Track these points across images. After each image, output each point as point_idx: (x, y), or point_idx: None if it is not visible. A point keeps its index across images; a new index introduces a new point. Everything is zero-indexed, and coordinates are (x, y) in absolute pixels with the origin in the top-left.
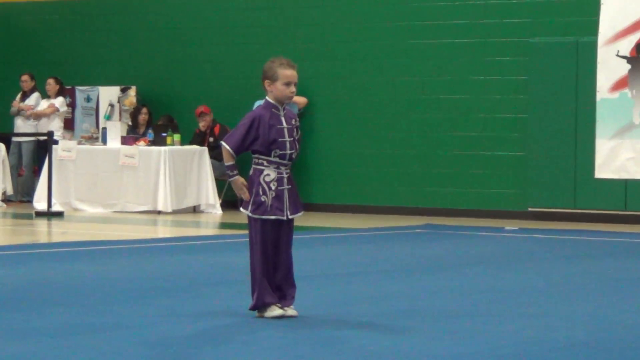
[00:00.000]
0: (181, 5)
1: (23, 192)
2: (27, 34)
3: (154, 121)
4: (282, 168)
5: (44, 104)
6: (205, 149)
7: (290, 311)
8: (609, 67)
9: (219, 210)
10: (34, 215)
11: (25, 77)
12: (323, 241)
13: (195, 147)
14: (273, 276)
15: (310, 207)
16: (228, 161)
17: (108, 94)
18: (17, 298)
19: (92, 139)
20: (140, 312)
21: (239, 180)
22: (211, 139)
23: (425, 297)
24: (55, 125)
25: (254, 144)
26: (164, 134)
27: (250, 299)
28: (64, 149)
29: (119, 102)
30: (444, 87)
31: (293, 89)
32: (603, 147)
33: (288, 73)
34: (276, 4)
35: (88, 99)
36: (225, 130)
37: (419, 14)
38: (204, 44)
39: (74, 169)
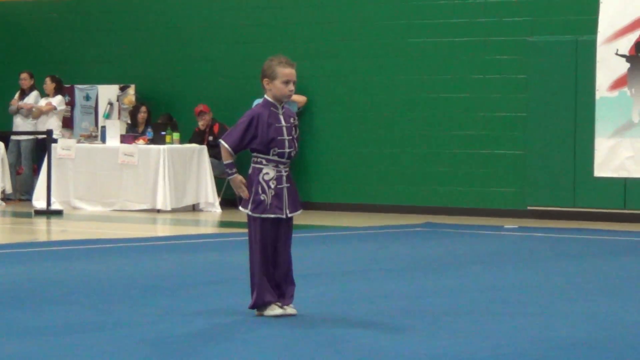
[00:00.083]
0: (181, 4)
1: (22, 191)
2: (26, 33)
3: (153, 120)
4: (281, 166)
5: (42, 103)
6: (204, 147)
7: (290, 310)
8: (608, 65)
9: (218, 209)
10: (33, 213)
11: (24, 75)
12: (322, 240)
13: (194, 145)
14: (273, 274)
15: (309, 206)
16: (227, 159)
17: (107, 92)
18: (16, 297)
19: (91, 138)
20: (140, 310)
21: (237, 178)
22: (210, 138)
23: (424, 296)
24: (53, 124)
25: (253, 142)
26: (163, 133)
27: (250, 297)
28: (63, 148)
29: (118, 100)
30: (444, 85)
31: (292, 87)
32: (602, 145)
33: (287, 71)
34: (276, 3)
35: (87, 98)
36: (225, 129)
37: (419, 13)
38: (203, 43)
39: (73, 167)
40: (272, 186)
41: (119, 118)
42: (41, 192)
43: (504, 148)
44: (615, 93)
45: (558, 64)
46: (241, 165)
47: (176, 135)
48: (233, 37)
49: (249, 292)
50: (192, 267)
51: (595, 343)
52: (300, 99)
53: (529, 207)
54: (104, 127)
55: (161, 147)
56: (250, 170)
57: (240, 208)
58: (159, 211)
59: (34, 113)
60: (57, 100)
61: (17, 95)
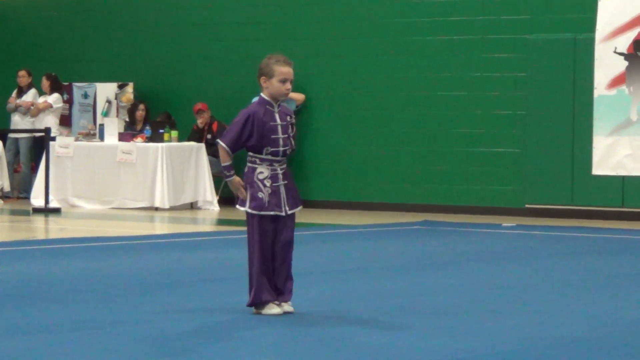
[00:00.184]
0: (179, 1)
1: (20, 189)
2: (24, 31)
3: (151, 118)
4: (276, 164)
5: (40, 101)
6: (202, 145)
7: (287, 307)
8: (607, 63)
9: (216, 207)
10: (31, 211)
11: (22, 73)
12: (320, 238)
13: (192, 143)
14: (272, 273)
15: (307, 204)
16: (225, 161)
17: (105, 90)
18: (15, 295)
19: (89, 136)
20: (138, 308)
21: (236, 179)
22: (209, 136)
23: (423, 294)
24: (50, 122)
25: (250, 140)
26: (161, 131)
27: (248, 295)
28: (62, 146)
29: (116, 98)
30: (442, 83)
31: (289, 86)
32: (600, 143)
33: (284, 70)
34: (274, 0)
35: (85, 96)
36: (223, 127)
37: (417, 11)
38: (202, 41)
39: (71, 165)
40: (268, 184)
41: (117, 116)
42: (39, 190)
43: (503, 146)
44: (614, 91)
45: (556, 62)
46: (237, 164)
47: (174, 133)
48: (232, 35)
49: (247, 290)
50: (191, 265)
51: (593, 341)
52: (298, 96)
53: (527, 205)
54: (102, 125)
55: (159, 145)
56: (245, 169)
57: (237, 207)
58: (157, 209)
59: (32, 111)
60: (54, 98)
61: (14, 93)
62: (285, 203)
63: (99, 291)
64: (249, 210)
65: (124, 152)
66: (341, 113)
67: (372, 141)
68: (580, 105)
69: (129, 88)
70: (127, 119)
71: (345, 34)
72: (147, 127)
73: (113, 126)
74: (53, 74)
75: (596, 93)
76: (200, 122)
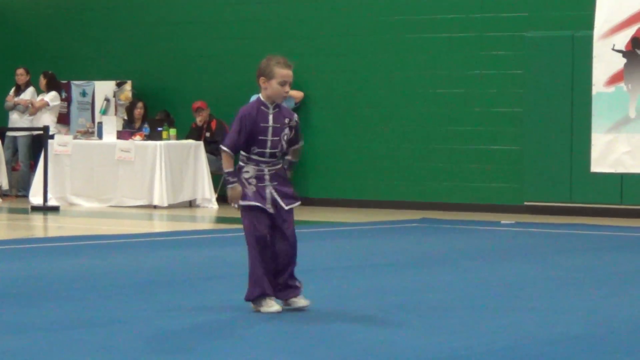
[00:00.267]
0: None
1: (19, 187)
2: (22, 29)
3: (149, 116)
4: (263, 165)
5: (38, 99)
6: (201, 143)
7: (302, 301)
8: (605, 61)
9: (214, 205)
10: (29, 209)
11: (20, 71)
12: (319, 235)
13: (190, 141)
14: (271, 268)
15: (306, 202)
16: (227, 168)
17: (104, 88)
18: (13, 293)
19: (87, 134)
20: (136, 306)
21: (237, 188)
22: (207, 134)
23: (421, 291)
24: (47, 120)
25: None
26: (159, 129)
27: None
28: (60, 144)
29: (114, 96)
30: (440, 81)
31: (288, 88)
32: (599, 141)
33: (285, 72)
34: None
35: (84, 94)
36: (222, 124)
37: (415, 8)
38: (200, 39)
39: (69, 163)
40: (253, 183)
41: (115, 114)
42: (38, 188)
43: (501, 143)
44: (612, 88)
45: (554, 60)
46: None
47: (173, 131)
48: (231, 33)
49: (246, 287)
50: (189, 262)
51: (591, 338)
52: (297, 94)
53: (525, 203)
54: (100, 123)
55: (158, 143)
56: (236, 166)
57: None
58: (155, 207)
59: (30, 110)
60: (50, 96)
61: (12, 91)
62: (270, 201)
63: (97, 289)
64: (241, 202)
65: (122, 150)
66: (340, 111)
67: (370, 139)
68: (579, 103)
69: (128, 86)
70: (126, 117)
71: (344, 32)
72: (146, 125)
73: (111, 124)
74: (50, 72)
75: (594, 90)
76: (199, 120)
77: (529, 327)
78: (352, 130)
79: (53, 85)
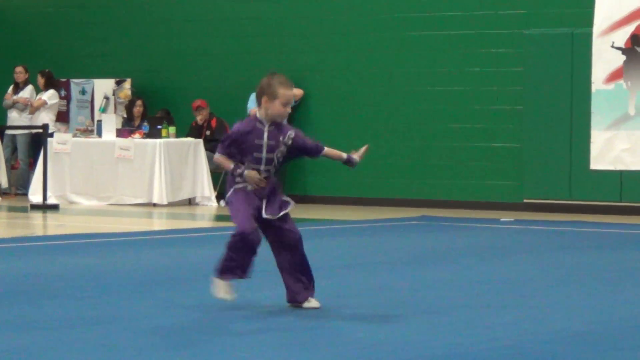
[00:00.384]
0: None
1: (18, 185)
2: (21, 27)
3: (149, 114)
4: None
5: (37, 98)
6: (200, 141)
7: (313, 302)
8: (604, 58)
9: (214, 203)
10: (29, 208)
11: (19, 69)
12: (318, 233)
13: (190, 139)
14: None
15: (305, 199)
16: (228, 166)
17: (103, 86)
18: (13, 291)
19: (87, 132)
20: (136, 304)
21: (252, 172)
22: (207, 132)
23: (421, 289)
24: (45, 118)
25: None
26: (159, 127)
27: (247, 291)
28: (59, 142)
29: (114, 94)
30: (440, 78)
31: (289, 109)
32: (598, 138)
33: (288, 93)
34: None
35: (83, 92)
36: (222, 123)
37: (415, 6)
38: (200, 37)
39: (69, 161)
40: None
41: (115, 112)
42: (37, 186)
43: (500, 141)
44: (611, 86)
45: (554, 57)
46: None
47: (172, 129)
48: (230, 31)
49: (245, 286)
50: (189, 260)
51: (591, 335)
52: (296, 92)
53: (525, 200)
54: (100, 121)
55: (157, 141)
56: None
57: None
58: (155, 205)
59: (30, 109)
60: (48, 95)
61: (10, 89)
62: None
63: (97, 287)
64: (231, 190)
65: (121, 149)
66: (339, 108)
67: (369, 136)
68: (578, 100)
69: (127, 84)
70: (125, 115)
71: (343, 30)
72: (145, 123)
73: (111, 122)
74: (47, 70)
75: (594, 88)
76: (199, 118)
77: (529, 324)
78: (352, 127)
79: (51, 84)
